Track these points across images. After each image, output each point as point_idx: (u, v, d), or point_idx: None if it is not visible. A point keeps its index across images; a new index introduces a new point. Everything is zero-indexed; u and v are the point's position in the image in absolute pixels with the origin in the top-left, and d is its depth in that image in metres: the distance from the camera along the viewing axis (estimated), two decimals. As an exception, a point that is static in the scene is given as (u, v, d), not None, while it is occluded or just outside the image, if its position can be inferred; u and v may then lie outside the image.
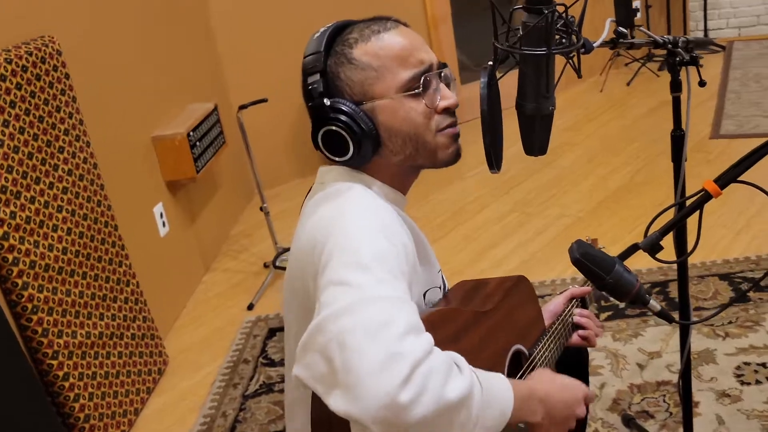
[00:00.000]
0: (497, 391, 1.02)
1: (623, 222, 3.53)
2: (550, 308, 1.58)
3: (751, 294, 2.76)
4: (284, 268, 3.49)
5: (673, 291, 2.86)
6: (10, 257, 2.12)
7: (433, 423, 0.90)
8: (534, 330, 1.45)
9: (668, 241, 1.33)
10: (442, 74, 1.24)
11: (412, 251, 1.11)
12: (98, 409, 2.40)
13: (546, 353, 1.43)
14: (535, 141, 1.17)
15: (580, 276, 3.06)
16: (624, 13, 5.32)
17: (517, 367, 1.35)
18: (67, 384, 2.28)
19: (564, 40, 1.11)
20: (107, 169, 2.75)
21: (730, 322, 2.61)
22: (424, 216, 3.94)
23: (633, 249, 1.31)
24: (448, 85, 1.25)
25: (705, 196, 1.28)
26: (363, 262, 0.99)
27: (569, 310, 1.59)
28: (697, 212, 1.31)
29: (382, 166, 1.24)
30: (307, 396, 1.09)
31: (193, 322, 3.30)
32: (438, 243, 3.61)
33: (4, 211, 2.11)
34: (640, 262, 2.90)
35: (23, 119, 2.22)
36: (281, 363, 2.86)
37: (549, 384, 1.17)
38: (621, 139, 4.68)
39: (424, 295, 1.26)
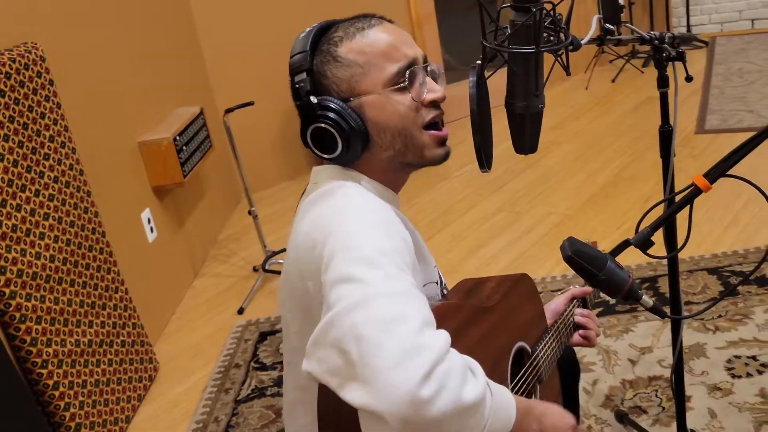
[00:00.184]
0: (504, 401, 1.02)
1: (611, 218, 3.55)
2: (551, 307, 1.59)
3: (740, 287, 2.77)
4: (274, 272, 3.49)
5: (663, 286, 2.87)
6: (-3, 266, 2.10)
7: (448, 423, 0.89)
8: (536, 328, 1.45)
9: (657, 237, 1.33)
10: (429, 68, 1.24)
11: (410, 244, 1.11)
12: (89, 417, 2.39)
13: (548, 351, 1.44)
14: (526, 139, 1.17)
15: (570, 273, 3.08)
16: (610, 10, 5.34)
17: (519, 365, 1.35)
18: (57, 393, 2.26)
19: (552, 38, 1.11)
20: (94, 175, 2.73)
21: (720, 316, 2.62)
22: (412, 217, 3.90)
23: (624, 245, 1.31)
24: (435, 80, 1.25)
25: (695, 191, 1.29)
26: (369, 257, 0.99)
27: (571, 309, 1.59)
28: (686, 207, 1.32)
29: (372, 163, 1.24)
30: (311, 395, 1.08)
31: (183, 327, 3.28)
32: (427, 243, 3.60)
33: (-10, 219, 2.09)
34: (628, 258, 2.92)
35: (7, 126, 2.20)
36: (273, 367, 2.85)
37: (545, 406, 1.17)
38: (607, 135, 4.70)
39: (422, 289, 1.26)
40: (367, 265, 0.98)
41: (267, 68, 4.19)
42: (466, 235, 3.65)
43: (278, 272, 3.36)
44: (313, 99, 1.19)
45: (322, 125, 1.18)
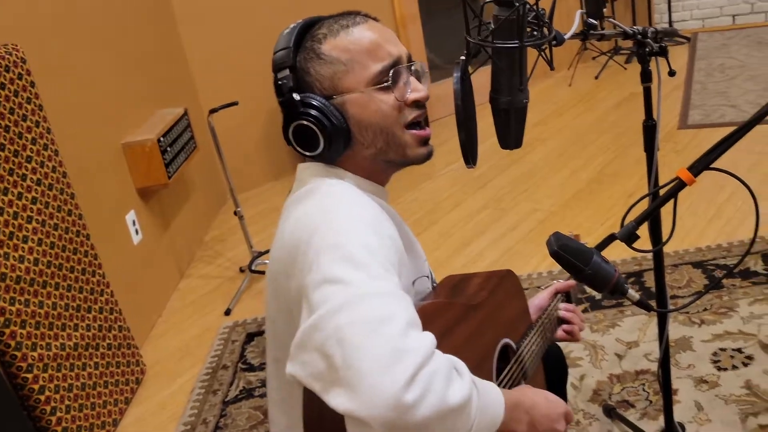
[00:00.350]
0: (490, 398, 1.01)
1: (596, 214, 3.56)
2: (535, 303, 1.59)
3: (724, 280, 2.79)
4: (260, 272, 3.48)
5: (649, 281, 2.89)
6: (-20, 270, 2.08)
7: (434, 426, 0.88)
8: (521, 324, 1.46)
9: (643, 231, 1.33)
10: (413, 67, 1.24)
11: (398, 242, 1.11)
12: (76, 421, 2.37)
13: (533, 347, 1.44)
14: (511, 134, 1.17)
15: (556, 269, 3.09)
16: (593, 5, 5.37)
17: (504, 361, 1.35)
18: (43, 397, 2.24)
19: (536, 33, 1.12)
20: (77, 177, 2.71)
21: (705, 309, 2.64)
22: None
23: (610, 239, 1.31)
24: (419, 79, 1.25)
25: (679, 185, 1.29)
26: (354, 257, 0.98)
27: (554, 304, 1.60)
28: (671, 201, 1.32)
29: (355, 161, 1.24)
30: (295, 395, 1.08)
31: (169, 329, 3.27)
32: (414, 241, 3.60)
33: (-28, 223, 2.07)
34: (614, 253, 2.93)
35: (-11, 129, 2.18)
36: (260, 368, 2.84)
37: (534, 396, 1.17)
38: (591, 132, 4.72)
39: (413, 284, 1.26)
40: (351, 265, 0.97)
41: (251, 68, 4.17)
42: (452, 233, 3.66)
43: (265, 273, 3.35)
44: (296, 96, 1.18)
45: (304, 122, 1.18)
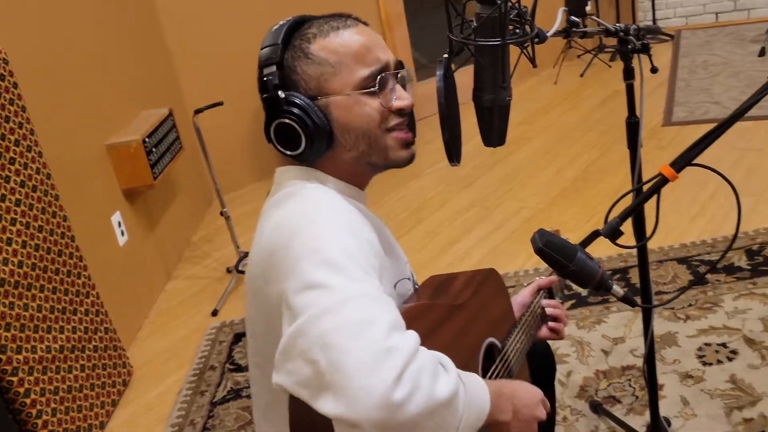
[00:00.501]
0: (476, 390, 1.02)
1: (582, 211, 3.58)
2: (518, 300, 1.59)
3: (708, 276, 2.82)
4: (247, 272, 3.47)
5: (634, 277, 2.90)
6: (-36, 273, 2.07)
7: (423, 423, 0.89)
8: (505, 322, 1.46)
9: (626, 228, 1.34)
10: (399, 75, 1.24)
11: (377, 246, 1.11)
12: (62, 424, 2.35)
13: (517, 345, 1.45)
14: (494, 132, 1.18)
15: (542, 267, 3.10)
16: (576, 3, 5.39)
17: (490, 360, 1.35)
18: (28, 400, 2.23)
19: (518, 30, 1.12)
20: (61, 179, 2.69)
21: (690, 305, 2.66)
22: (384, 215, 3.94)
23: (594, 236, 1.32)
24: (404, 86, 1.25)
25: (662, 181, 1.30)
26: (333, 261, 0.98)
27: (537, 301, 1.60)
28: (655, 197, 1.33)
29: (336, 162, 1.23)
30: (281, 401, 1.07)
31: (156, 331, 3.25)
32: (400, 240, 3.56)
33: (-45, 226, 2.05)
34: (599, 250, 2.95)
35: (-29, 131, 2.17)
36: (248, 368, 2.82)
37: (512, 385, 1.18)
38: (576, 129, 4.74)
39: (395, 287, 1.26)
40: (331, 270, 0.97)
41: (236, 68, 4.17)
42: (438, 232, 3.67)
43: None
44: (281, 93, 1.18)
45: (287, 121, 1.17)
